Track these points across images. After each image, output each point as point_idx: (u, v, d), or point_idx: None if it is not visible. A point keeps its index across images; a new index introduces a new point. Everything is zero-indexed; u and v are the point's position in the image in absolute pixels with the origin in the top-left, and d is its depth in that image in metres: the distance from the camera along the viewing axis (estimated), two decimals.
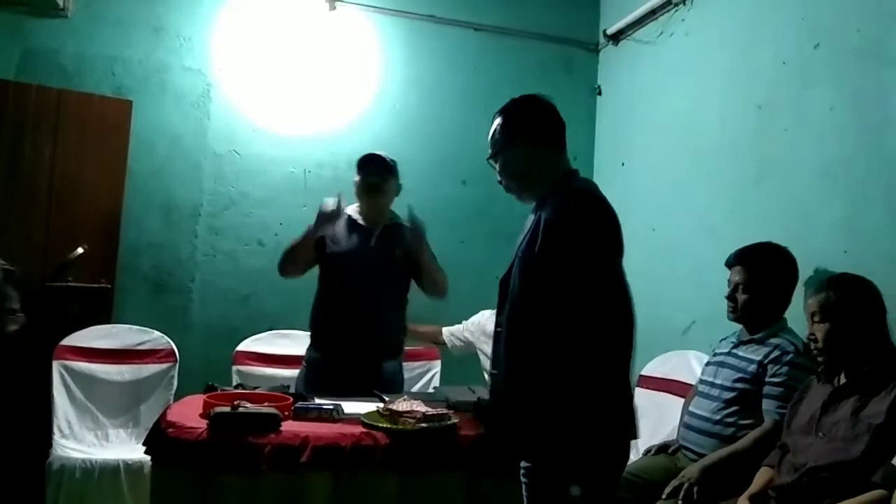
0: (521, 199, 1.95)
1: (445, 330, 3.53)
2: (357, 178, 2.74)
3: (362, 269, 2.70)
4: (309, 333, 2.81)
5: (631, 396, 1.81)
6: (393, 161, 2.77)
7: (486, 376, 3.34)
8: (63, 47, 3.52)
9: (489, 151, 1.94)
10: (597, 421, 1.67)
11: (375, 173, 2.71)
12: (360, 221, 2.77)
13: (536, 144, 1.87)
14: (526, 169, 1.89)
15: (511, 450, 1.81)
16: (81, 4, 3.57)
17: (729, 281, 2.44)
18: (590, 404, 1.66)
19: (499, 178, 1.94)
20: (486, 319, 3.42)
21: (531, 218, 1.88)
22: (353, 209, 2.80)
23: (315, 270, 2.80)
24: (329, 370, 2.66)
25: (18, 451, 2.97)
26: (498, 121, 1.93)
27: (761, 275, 2.37)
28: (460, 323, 3.54)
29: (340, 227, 2.75)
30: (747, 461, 2.15)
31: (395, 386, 2.79)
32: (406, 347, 2.97)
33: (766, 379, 2.24)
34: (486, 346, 3.35)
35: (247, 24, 3.80)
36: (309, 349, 2.79)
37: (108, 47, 3.58)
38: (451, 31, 4.09)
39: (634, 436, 1.82)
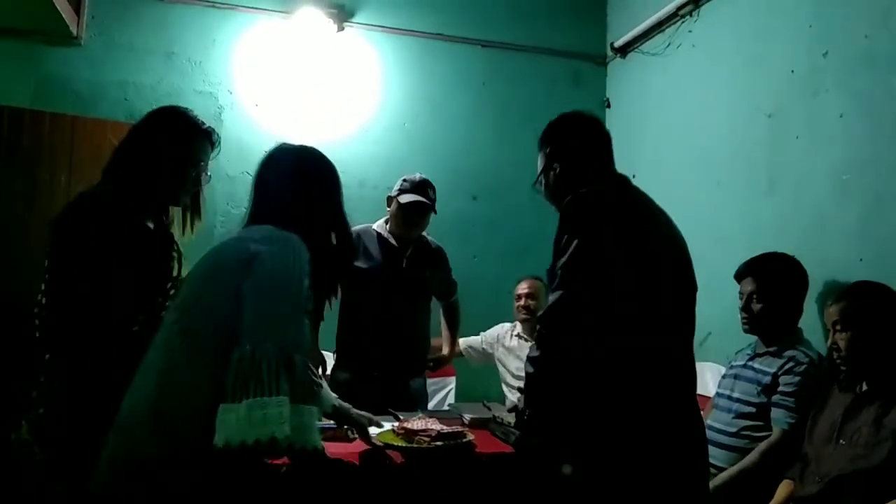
0: None
1: (462, 341, 3.53)
2: (396, 207, 2.69)
3: (393, 289, 2.70)
4: (333, 353, 2.81)
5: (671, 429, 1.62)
6: (434, 192, 2.74)
7: (505, 389, 3.34)
8: (77, 74, 3.58)
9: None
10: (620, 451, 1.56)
11: (421, 213, 2.69)
12: (391, 241, 2.74)
13: (571, 165, 1.82)
14: (558, 189, 1.83)
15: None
16: (94, 32, 3.63)
17: (741, 293, 2.43)
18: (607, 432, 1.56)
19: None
20: (504, 332, 3.43)
21: None
22: (380, 225, 2.78)
23: None
24: (358, 390, 2.64)
25: None
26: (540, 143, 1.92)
27: (773, 283, 2.36)
28: (477, 335, 3.53)
29: (370, 244, 2.73)
30: (758, 475, 2.14)
31: (422, 403, 2.79)
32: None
33: (778, 389, 2.23)
34: (505, 359, 3.34)
35: (256, 47, 3.85)
36: (335, 369, 2.78)
37: (121, 73, 3.64)
38: (459, 49, 4.12)
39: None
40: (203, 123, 1.82)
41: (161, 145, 1.73)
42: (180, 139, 1.77)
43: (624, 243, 1.58)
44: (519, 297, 3.35)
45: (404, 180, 2.72)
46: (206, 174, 1.89)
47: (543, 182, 1.90)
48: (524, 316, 3.31)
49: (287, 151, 1.64)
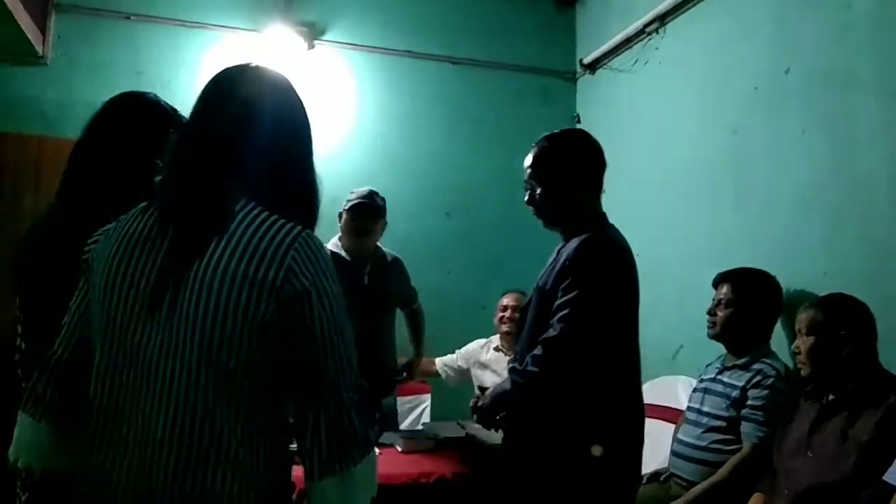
0: (546, 227, 2.02)
1: (439, 360, 3.51)
2: (345, 216, 2.70)
3: (357, 307, 2.67)
4: None
5: (638, 437, 1.91)
6: (382, 200, 2.75)
7: None
8: (43, 94, 3.53)
9: (526, 172, 1.99)
10: (599, 461, 1.76)
11: (365, 217, 2.69)
12: (346, 257, 2.74)
13: (573, 182, 1.94)
14: (555, 202, 1.95)
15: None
16: (61, 52, 3.59)
17: (713, 299, 2.47)
18: (590, 441, 1.76)
19: (526, 199, 2.00)
20: (480, 348, 3.41)
21: (555, 253, 1.95)
22: (334, 244, 2.77)
23: None
24: None
25: None
26: (543, 146, 1.98)
27: (746, 293, 2.40)
28: (452, 353, 3.52)
29: None
30: (729, 489, 2.16)
31: (393, 421, 2.77)
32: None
33: (747, 402, 2.26)
34: (481, 374, 3.32)
35: (226, 65, 3.82)
36: None
37: (89, 93, 3.58)
38: (428, 66, 4.13)
39: (637, 477, 1.97)
40: (169, 111, 1.58)
41: (115, 144, 1.49)
42: (137, 135, 1.52)
43: (622, 294, 1.86)
44: (504, 308, 3.33)
45: (351, 192, 2.75)
46: None
47: (537, 192, 1.95)
48: (508, 328, 3.28)
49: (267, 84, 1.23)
